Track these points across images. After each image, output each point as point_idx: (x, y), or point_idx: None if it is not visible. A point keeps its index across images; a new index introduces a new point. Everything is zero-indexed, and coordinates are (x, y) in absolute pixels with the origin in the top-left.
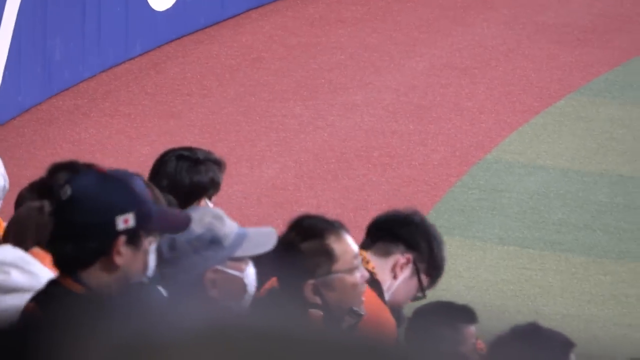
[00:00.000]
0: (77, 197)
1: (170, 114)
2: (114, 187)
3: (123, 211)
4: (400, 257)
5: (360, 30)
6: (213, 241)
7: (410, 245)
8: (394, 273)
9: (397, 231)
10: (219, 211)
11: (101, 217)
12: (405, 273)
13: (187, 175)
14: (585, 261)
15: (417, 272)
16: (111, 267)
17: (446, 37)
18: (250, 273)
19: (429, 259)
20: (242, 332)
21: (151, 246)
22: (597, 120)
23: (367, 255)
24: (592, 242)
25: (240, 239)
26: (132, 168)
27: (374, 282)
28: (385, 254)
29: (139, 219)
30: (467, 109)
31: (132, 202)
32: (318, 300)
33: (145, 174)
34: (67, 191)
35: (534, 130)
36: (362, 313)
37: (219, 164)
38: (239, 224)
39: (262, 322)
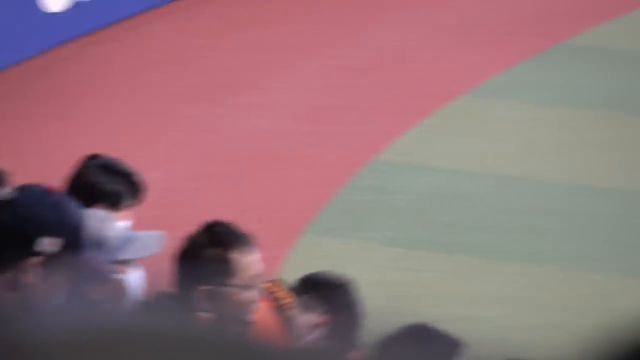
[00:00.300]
0: (16, 203)
1: (63, 117)
2: (55, 209)
3: (50, 234)
4: (318, 317)
5: (256, 32)
6: (97, 243)
7: (332, 309)
8: (307, 330)
9: (324, 292)
10: (106, 214)
11: (27, 229)
12: (317, 333)
13: (89, 174)
14: (473, 262)
15: (329, 337)
16: (16, 283)
17: (343, 39)
18: (134, 276)
19: (345, 328)
20: (121, 332)
21: (63, 280)
22: (488, 121)
23: (293, 302)
24: (480, 244)
25: (125, 241)
26: (21, 171)
27: (290, 329)
28: (306, 308)
29: (63, 250)
30: (360, 110)
31: (64, 230)
32: (208, 307)
33: (36, 177)
34: (10, 194)
35: (426, 131)
36: (250, 321)
37: (133, 184)
38: (128, 226)
39: (142, 322)
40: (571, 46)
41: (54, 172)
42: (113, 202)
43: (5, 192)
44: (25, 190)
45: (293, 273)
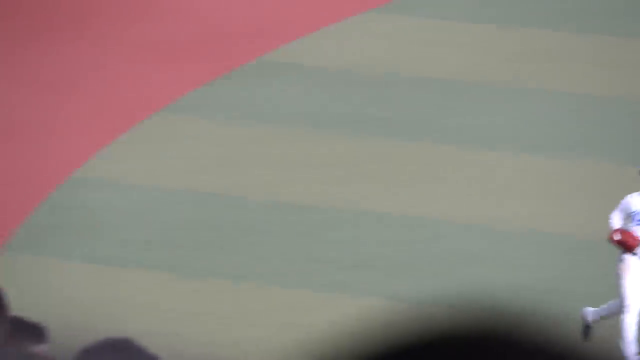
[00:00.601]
0: None
1: None
2: None
3: None
4: None
5: None
6: None
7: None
8: None
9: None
10: None
11: None
12: None
13: None
14: (171, 278)
15: None
16: None
17: (30, 53)
18: None
19: None
20: None
21: None
22: (183, 138)
23: None
24: (177, 260)
25: None
26: None
27: None
28: None
29: None
30: (55, 126)
31: None
32: None
33: None
34: None
35: (122, 148)
36: None
37: None
38: None
39: None
40: (267, 62)
41: None
42: None
43: None
44: None
45: None
